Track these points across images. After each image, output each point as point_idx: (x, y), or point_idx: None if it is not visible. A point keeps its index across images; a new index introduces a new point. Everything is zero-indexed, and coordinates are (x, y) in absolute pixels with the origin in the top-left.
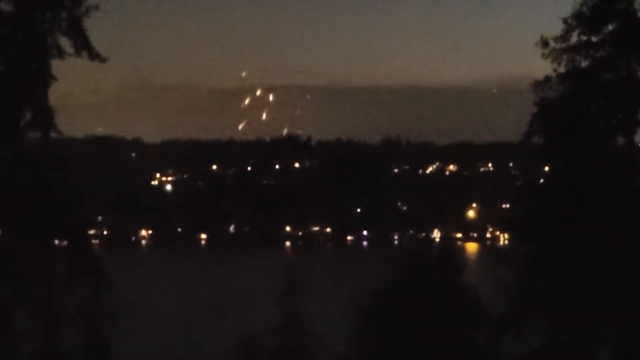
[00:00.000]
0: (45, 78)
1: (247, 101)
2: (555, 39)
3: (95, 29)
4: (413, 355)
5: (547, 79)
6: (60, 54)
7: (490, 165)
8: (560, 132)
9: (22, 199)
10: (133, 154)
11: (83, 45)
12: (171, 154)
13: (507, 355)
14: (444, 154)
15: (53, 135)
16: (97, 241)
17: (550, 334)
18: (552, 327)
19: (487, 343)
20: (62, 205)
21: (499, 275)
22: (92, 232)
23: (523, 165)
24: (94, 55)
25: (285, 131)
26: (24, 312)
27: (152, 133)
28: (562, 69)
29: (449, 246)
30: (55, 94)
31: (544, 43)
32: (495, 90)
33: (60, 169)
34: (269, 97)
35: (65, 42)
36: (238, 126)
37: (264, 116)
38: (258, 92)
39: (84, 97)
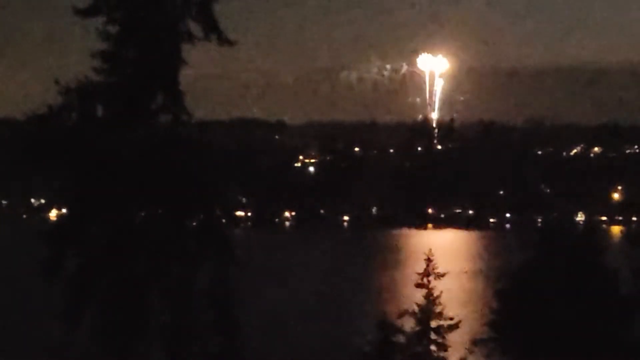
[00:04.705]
0: (176, 62)
1: (388, 84)
2: None
3: (225, 13)
4: (549, 337)
5: None
6: (190, 38)
7: (636, 147)
8: None
9: (155, 180)
10: (276, 136)
11: (212, 29)
12: (314, 136)
13: None
14: (589, 136)
15: (184, 118)
16: (241, 223)
17: None
18: None
19: (623, 326)
20: (195, 186)
21: (633, 258)
22: (237, 213)
23: None
24: (223, 40)
25: (426, 113)
26: (159, 290)
27: (295, 115)
28: None
29: (591, 229)
30: (194, 78)
31: None
32: None
33: (195, 150)
34: (409, 80)
35: (195, 27)
36: (380, 109)
37: (406, 98)
38: (399, 75)
39: (225, 80)
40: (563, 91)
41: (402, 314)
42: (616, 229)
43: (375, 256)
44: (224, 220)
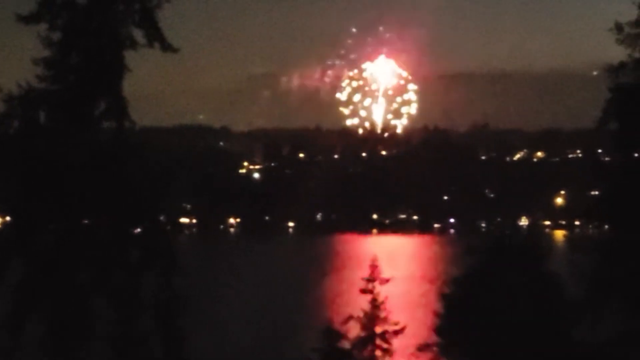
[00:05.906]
0: (119, 69)
1: (330, 89)
2: (630, 25)
3: (169, 20)
4: (494, 342)
5: (622, 64)
6: (134, 45)
7: (579, 152)
8: (635, 118)
9: (98, 187)
10: (221, 143)
11: (155, 36)
12: (258, 142)
13: (586, 343)
14: (532, 141)
15: (127, 124)
16: (186, 229)
17: (628, 322)
18: (628, 314)
19: (565, 330)
20: (137, 193)
21: (575, 262)
22: (181, 220)
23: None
24: (166, 46)
25: (371, 118)
26: (102, 298)
27: (239, 122)
28: (637, 55)
29: (535, 233)
30: (138, 84)
31: (619, 28)
32: (595, 73)
33: (138, 157)
34: (352, 85)
35: (138, 34)
36: (324, 114)
37: (349, 104)
38: (341, 80)
39: (169, 87)
40: (507, 96)
41: (347, 319)
42: (559, 233)
43: (320, 262)
44: (168, 227)
